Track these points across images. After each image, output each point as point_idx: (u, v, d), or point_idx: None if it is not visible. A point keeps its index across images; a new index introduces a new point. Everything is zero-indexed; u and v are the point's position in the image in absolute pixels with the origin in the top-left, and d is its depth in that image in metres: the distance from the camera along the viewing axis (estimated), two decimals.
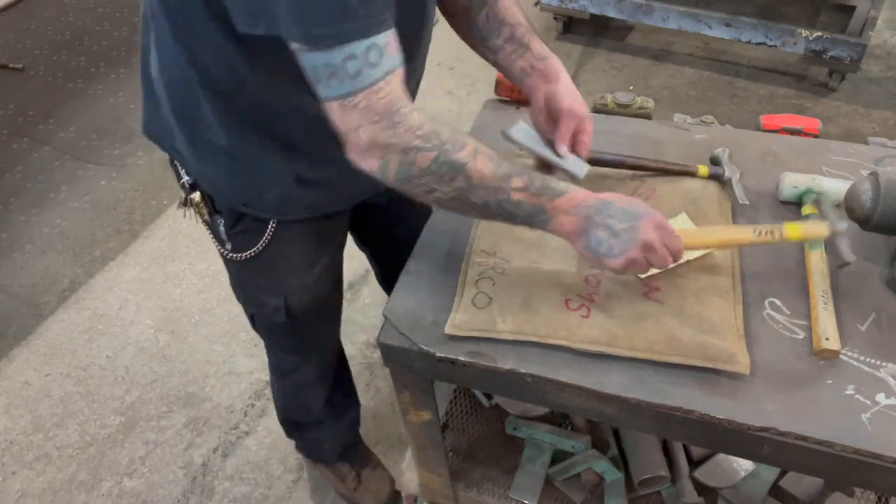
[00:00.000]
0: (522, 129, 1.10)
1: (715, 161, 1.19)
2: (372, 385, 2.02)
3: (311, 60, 0.78)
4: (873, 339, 0.95)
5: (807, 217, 1.09)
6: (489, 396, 1.56)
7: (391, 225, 1.38)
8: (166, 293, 2.29)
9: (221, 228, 1.17)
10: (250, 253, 1.18)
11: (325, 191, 1.13)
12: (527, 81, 1.11)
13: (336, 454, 1.72)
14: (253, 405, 1.98)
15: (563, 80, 1.08)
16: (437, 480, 1.38)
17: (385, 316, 1.05)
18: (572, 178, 1.06)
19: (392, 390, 1.92)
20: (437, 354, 0.99)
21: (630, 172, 1.20)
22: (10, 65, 3.25)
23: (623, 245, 0.89)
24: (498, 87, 1.39)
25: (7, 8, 3.57)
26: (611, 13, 3.01)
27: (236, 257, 1.19)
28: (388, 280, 1.67)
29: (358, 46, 0.77)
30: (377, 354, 2.05)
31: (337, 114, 0.81)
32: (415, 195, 0.89)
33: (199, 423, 1.96)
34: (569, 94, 1.07)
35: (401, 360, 1.05)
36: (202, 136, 1.03)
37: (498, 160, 0.88)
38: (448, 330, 1.00)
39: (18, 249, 2.48)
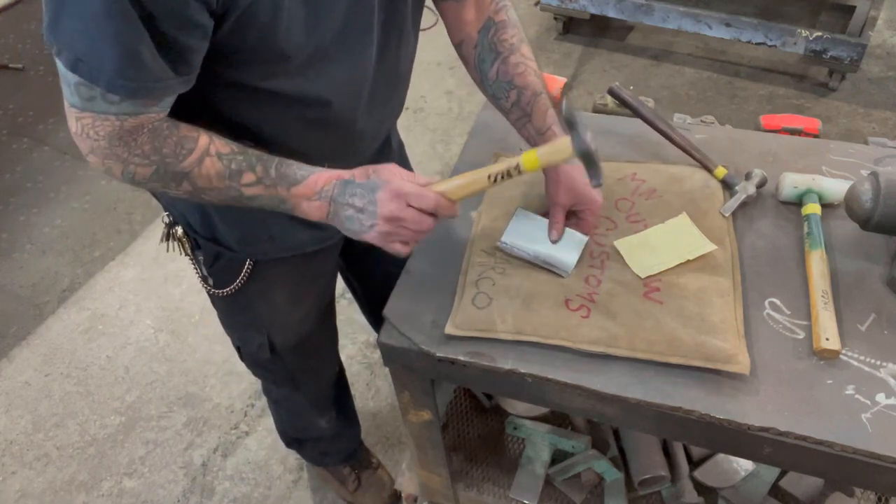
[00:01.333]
0: (515, 228, 1.07)
1: (748, 176, 1.17)
2: (372, 385, 2.02)
3: (57, 61, 0.75)
4: (873, 339, 0.95)
5: (806, 217, 1.09)
6: (489, 396, 1.56)
7: (375, 264, 1.35)
8: (166, 293, 2.30)
9: (202, 264, 1.15)
10: (231, 289, 1.16)
11: (299, 229, 1.09)
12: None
13: (337, 461, 1.73)
14: (253, 405, 1.98)
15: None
16: (437, 480, 1.38)
17: (385, 316, 1.05)
18: (561, 273, 1.04)
19: (392, 390, 1.92)
20: (437, 354, 0.99)
21: (631, 172, 1.21)
22: (10, 65, 3.25)
23: (370, 219, 0.86)
24: None
25: (7, 8, 3.57)
26: (611, 13, 3.01)
27: (219, 293, 1.18)
28: (374, 315, 1.67)
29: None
30: (377, 354, 2.05)
31: (68, 116, 0.79)
32: (153, 190, 0.88)
33: (199, 423, 1.96)
34: (555, 179, 1.03)
35: (401, 360, 1.05)
36: None
37: (231, 156, 0.85)
38: (448, 330, 1.00)
39: (18, 249, 2.48)
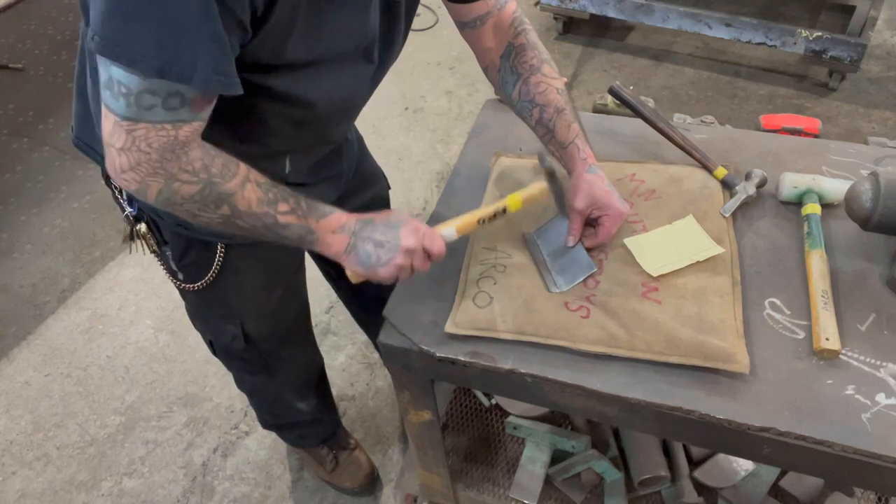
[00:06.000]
0: (545, 229, 1.10)
1: (748, 176, 1.17)
2: (372, 385, 2.02)
3: (108, 70, 0.74)
4: (873, 339, 0.95)
5: (806, 217, 1.09)
6: (489, 396, 1.57)
7: None
8: (166, 293, 2.29)
9: (171, 260, 1.15)
10: (202, 283, 1.16)
11: None
12: (561, 164, 1.10)
13: (315, 444, 1.75)
14: None
15: (575, 173, 1.06)
16: (437, 480, 1.38)
17: (385, 316, 1.05)
18: (552, 285, 1.04)
19: (392, 390, 1.92)
20: (437, 354, 0.99)
21: (630, 172, 1.21)
22: (10, 65, 3.25)
23: (389, 253, 0.93)
24: None
25: (7, 8, 3.57)
26: (611, 13, 3.01)
27: (189, 287, 1.18)
28: (359, 307, 1.69)
29: (161, 85, 0.74)
30: (377, 354, 2.05)
31: (108, 125, 0.78)
32: (178, 215, 0.88)
33: (199, 423, 1.96)
34: (575, 187, 1.05)
35: (401, 360, 1.05)
36: None
37: (268, 186, 0.89)
38: (448, 328, 1.00)
39: (18, 249, 2.48)
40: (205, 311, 1.30)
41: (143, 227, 1.10)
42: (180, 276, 1.17)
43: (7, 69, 3.24)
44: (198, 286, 1.17)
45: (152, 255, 1.15)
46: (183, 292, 1.23)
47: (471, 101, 2.96)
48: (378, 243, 0.93)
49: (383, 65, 1.01)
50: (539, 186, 1.02)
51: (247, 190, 0.87)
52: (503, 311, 1.01)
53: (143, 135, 0.77)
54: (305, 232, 0.92)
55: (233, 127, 0.91)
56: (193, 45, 0.72)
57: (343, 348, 2.10)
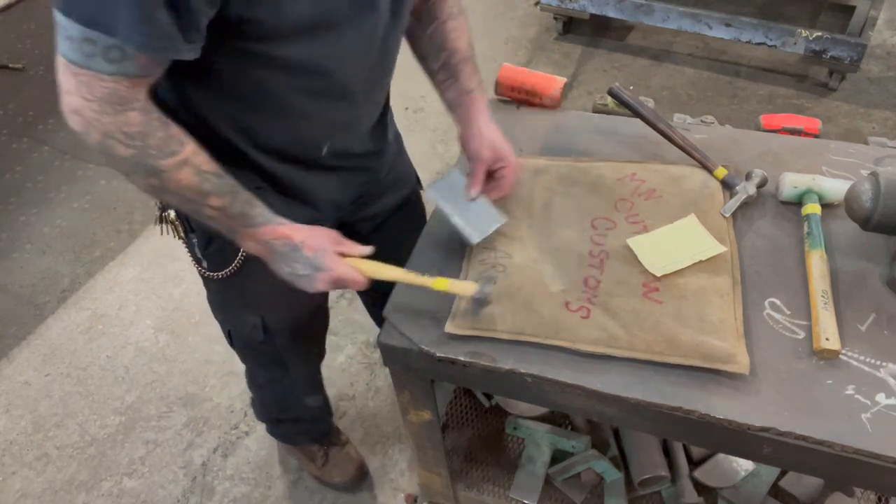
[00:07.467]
0: (444, 184, 1.11)
1: (748, 176, 1.16)
2: (372, 385, 2.02)
3: (56, 15, 0.78)
4: (873, 339, 0.95)
5: (806, 217, 1.09)
6: (489, 396, 1.57)
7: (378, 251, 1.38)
8: (166, 293, 2.29)
9: (196, 247, 1.16)
10: (226, 272, 1.17)
11: (294, 206, 1.11)
12: (454, 114, 1.12)
13: (308, 442, 1.76)
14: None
15: (476, 122, 1.08)
16: (437, 480, 1.38)
17: (385, 316, 1.05)
18: (467, 240, 1.08)
19: (392, 390, 1.92)
20: (437, 354, 0.99)
21: (630, 172, 1.21)
22: (10, 65, 3.25)
23: (303, 283, 1.00)
24: (498, 87, 1.39)
25: (7, 8, 3.57)
26: (611, 13, 3.01)
27: (213, 275, 1.19)
28: (376, 307, 1.68)
29: (100, 38, 0.77)
30: (377, 354, 2.05)
31: (60, 68, 0.81)
32: (114, 169, 0.90)
33: (199, 423, 1.96)
34: (479, 136, 1.08)
35: (401, 360, 1.05)
36: None
37: (207, 176, 0.91)
38: (448, 328, 1.00)
39: (18, 249, 2.48)
40: (227, 300, 1.30)
41: (171, 213, 1.13)
42: (205, 263, 1.18)
43: (7, 69, 3.24)
44: (222, 275, 1.18)
45: (180, 241, 1.18)
46: (207, 281, 1.24)
47: None
48: (296, 273, 0.99)
49: (396, 16, 0.99)
50: (470, 288, 0.99)
51: (182, 173, 0.88)
52: (503, 310, 1.00)
53: (86, 81, 0.80)
54: (228, 230, 0.97)
55: (260, 105, 0.92)
56: (118, 4, 0.74)
57: (343, 348, 2.10)
